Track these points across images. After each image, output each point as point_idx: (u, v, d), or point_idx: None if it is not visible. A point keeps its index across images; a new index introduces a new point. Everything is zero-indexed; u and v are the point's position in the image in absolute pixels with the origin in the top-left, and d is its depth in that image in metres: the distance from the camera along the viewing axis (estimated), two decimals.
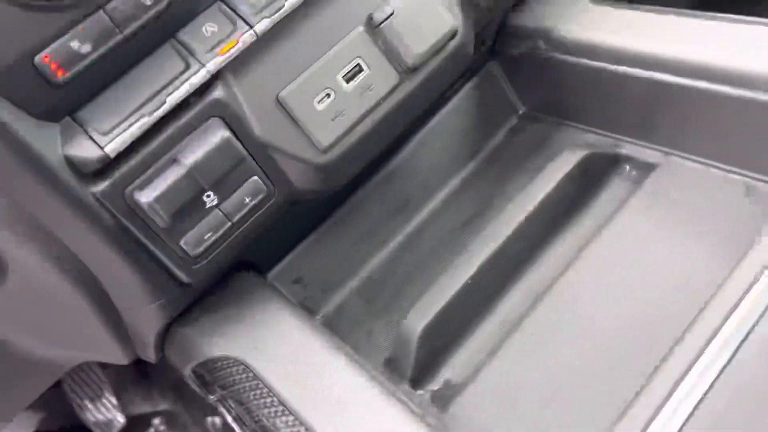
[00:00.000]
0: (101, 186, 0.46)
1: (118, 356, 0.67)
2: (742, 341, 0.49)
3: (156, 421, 1.32)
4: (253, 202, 0.53)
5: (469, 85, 0.75)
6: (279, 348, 0.54)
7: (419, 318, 0.60)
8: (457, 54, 0.59)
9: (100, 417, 1.15)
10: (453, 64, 0.59)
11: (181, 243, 0.51)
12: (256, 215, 0.55)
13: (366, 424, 0.46)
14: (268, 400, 0.51)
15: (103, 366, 1.22)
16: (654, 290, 0.57)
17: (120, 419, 1.15)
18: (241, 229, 0.54)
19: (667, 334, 0.52)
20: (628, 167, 0.67)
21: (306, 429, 0.47)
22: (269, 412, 0.50)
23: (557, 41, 0.67)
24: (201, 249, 0.52)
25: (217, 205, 0.52)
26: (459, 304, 0.61)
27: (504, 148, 0.76)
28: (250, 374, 0.53)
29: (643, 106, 0.64)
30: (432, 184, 0.74)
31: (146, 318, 0.57)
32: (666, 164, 0.64)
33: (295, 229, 0.68)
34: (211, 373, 0.58)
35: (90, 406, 1.14)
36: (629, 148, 0.67)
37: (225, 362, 0.56)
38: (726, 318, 0.50)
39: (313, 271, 0.69)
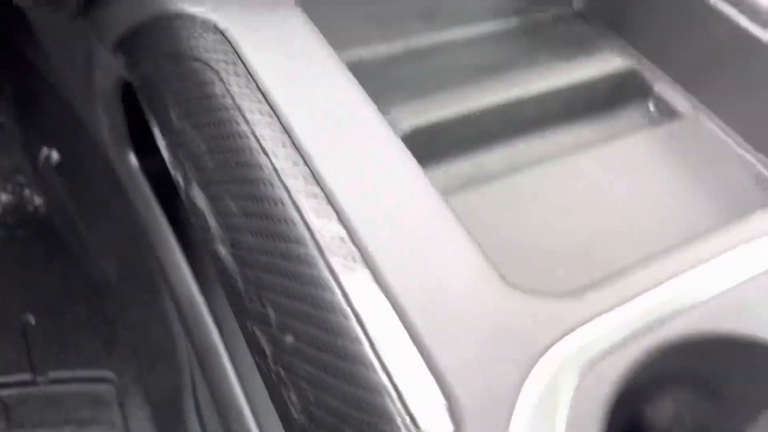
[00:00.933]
0: None
1: None
2: None
3: None
4: None
5: None
6: (272, 34, 0.43)
7: (411, 116, 0.53)
8: None
9: None
10: None
11: None
12: None
13: (364, 156, 0.38)
14: (242, 81, 0.41)
15: None
16: (633, 212, 0.55)
17: None
18: None
19: (629, 251, 0.51)
20: (652, 106, 0.65)
21: (284, 129, 0.38)
22: (242, 94, 0.40)
23: None
24: None
25: None
26: (455, 127, 0.54)
27: (547, 27, 0.70)
28: (226, 48, 0.42)
29: (708, 52, 0.61)
30: (465, 13, 0.66)
31: None
32: (691, 118, 0.62)
33: None
34: (154, 41, 0.46)
35: None
36: (663, 86, 0.64)
37: (189, 24, 0.44)
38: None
39: (314, 14, 0.58)
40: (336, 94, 0.41)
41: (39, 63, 0.91)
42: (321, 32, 0.52)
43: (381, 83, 0.60)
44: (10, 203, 1.09)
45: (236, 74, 0.41)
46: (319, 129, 0.39)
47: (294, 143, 0.38)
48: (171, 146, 0.46)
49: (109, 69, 0.60)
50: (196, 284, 0.71)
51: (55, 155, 1.05)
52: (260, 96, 0.40)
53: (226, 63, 0.42)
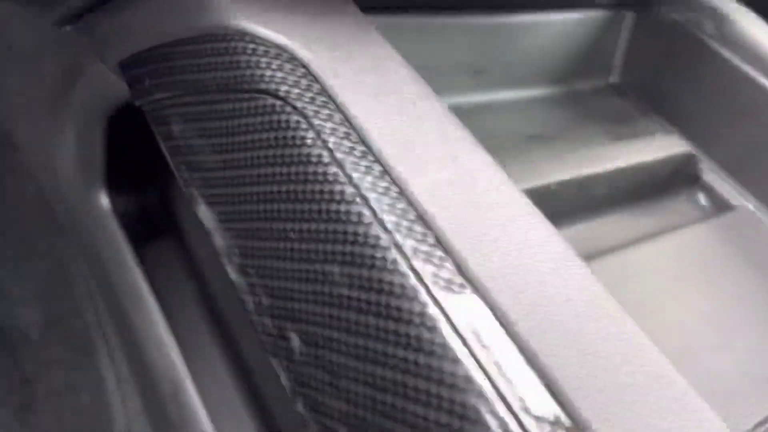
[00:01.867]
0: None
1: None
2: None
3: None
4: None
5: (594, 13, 0.64)
6: (365, 70, 0.35)
7: None
8: None
9: None
10: None
11: None
12: None
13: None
14: (340, 131, 0.31)
15: None
16: (702, 315, 0.49)
17: None
18: None
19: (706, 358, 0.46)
20: (702, 195, 0.61)
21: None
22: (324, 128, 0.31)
23: (727, 29, 0.59)
24: None
25: None
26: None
27: (586, 99, 0.65)
28: (301, 71, 0.33)
29: (757, 136, 0.58)
30: (510, 76, 0.60)
31: None
32: (742, 211, 0.59)
33: None
34: (195, 65, 0.36)
35: None
36: (713, 176, 0.61)
37: (256, 47, 0.34)
38: None
39: None
40: (449, 145, 0.33)
41: None
42: None
43: None
44: None
45: (330, 121, 0.32)
46: (442, 196, 0.30)
47: (417, 211, 0.29)
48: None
49: (101, 90, 0.49)
50: (176, 345, 0.59)
51: None
52: (367, 152, 0.31)
53: (314, 104, 0.32)
